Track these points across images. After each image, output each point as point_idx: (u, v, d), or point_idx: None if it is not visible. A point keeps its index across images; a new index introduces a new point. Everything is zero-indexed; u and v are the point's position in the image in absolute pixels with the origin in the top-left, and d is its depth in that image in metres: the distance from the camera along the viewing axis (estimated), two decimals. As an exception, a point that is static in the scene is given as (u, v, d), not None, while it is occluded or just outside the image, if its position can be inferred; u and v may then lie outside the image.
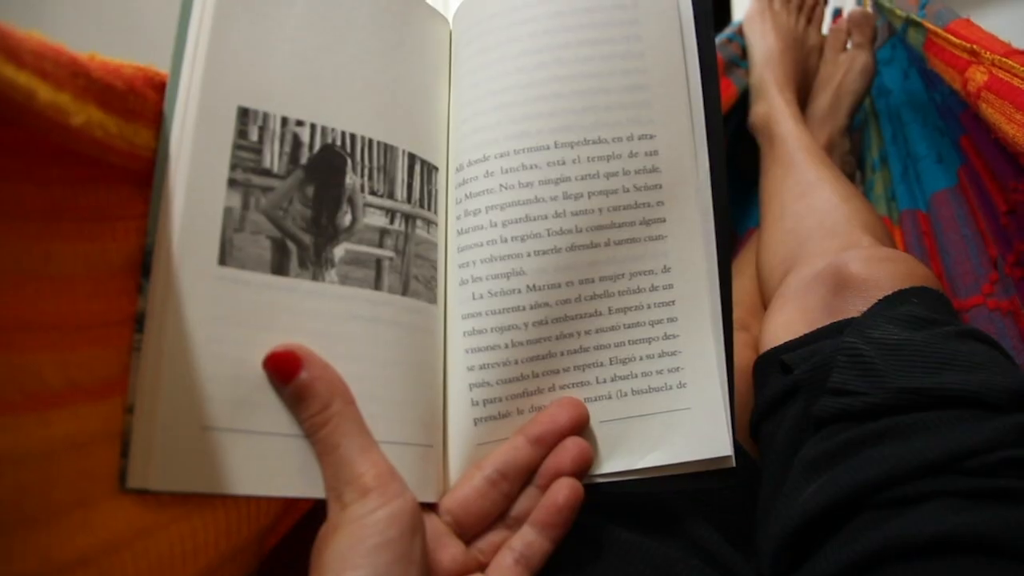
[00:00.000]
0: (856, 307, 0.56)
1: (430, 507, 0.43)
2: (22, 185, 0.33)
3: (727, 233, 0.48)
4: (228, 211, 0.40)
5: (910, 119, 0.99)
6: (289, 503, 0.43)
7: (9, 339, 0.32)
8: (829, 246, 0.68)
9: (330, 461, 0.39)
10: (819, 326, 0.57)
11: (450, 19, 0.52)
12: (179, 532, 0.38)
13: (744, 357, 0.67)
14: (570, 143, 0.46)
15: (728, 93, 1.01)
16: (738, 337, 0.74)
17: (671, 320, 0.47)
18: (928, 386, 0.45)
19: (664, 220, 0.47)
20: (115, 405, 0.37)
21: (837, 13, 1.14)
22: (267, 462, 0.39)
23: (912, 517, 0.41)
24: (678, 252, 0.47)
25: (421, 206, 0.47)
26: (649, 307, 0.46)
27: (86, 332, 0.36)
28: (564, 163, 0.46)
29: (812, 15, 1.06)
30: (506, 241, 0.46)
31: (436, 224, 0.48)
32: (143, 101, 0.38)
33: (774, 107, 0.93)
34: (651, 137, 0.47)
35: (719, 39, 1.04)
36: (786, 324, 0.61)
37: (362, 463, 0.39)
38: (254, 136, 0.41)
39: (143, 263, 0.39)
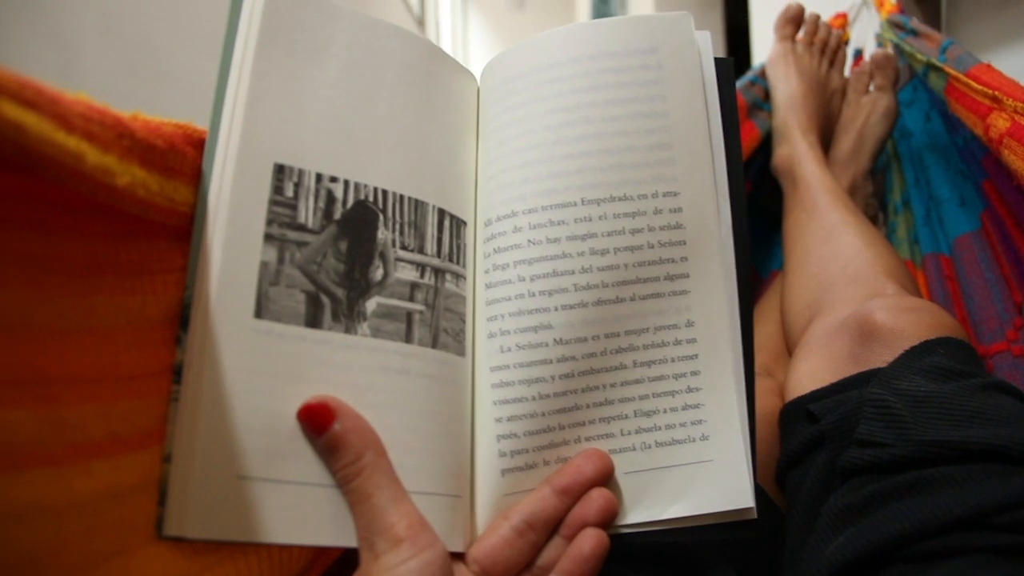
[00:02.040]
0: (882, 357, 0.57)
1: (458, 556, 0.44)
2: (67, 240, 0.35)
3: (748, 287, 0.49)
4: (264, 265, 0.41)
5: (932, 162, 1.00)
6: (320, 551, 0.43)
7: (54, 393, 0.33)
8: (854, 293, 0.68)
9: (362, 511, 0.40)
10: (845, 375, 0.57)
11: (477, 75, 0.53)
12: (213, 579, 0.38)
13: (769, 404, 0.68)
14: (597, 200, 0.47)
15: (751, 136, 1.02)
16: (763, 383, 0.74)
17: (694, 373, 0.47)
18: (955, 439, 0.45)
19: (687, 275, 0.48)
20: (153, 454, 0.38)
21: (858, 54, 1.15)
22: (300, 511, 0.40)
23: (940, 574, 0.41)
24: (701, 306, 0.48)
25: (450, 260, 0.48)
26: (673, 360, 0.47)
27: (127, 384, 0.37)
28: (591, 219, 0.47)
29: (835, 58, 1.06)
30: (534, 295, 0.47)
31: (464, 278, 0.49)
32: (183, 159, 0.40)
33: (797, 150, 0.94)
34: (675, 194, 0.48)
35: (742, 82, 1.05)
36: (812, 372, 0.62)
37: (394, 513, 0.40)
38: (289, 192, 0.42)
39: (181, 315, 0.40)
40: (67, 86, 0.32)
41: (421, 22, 4.30)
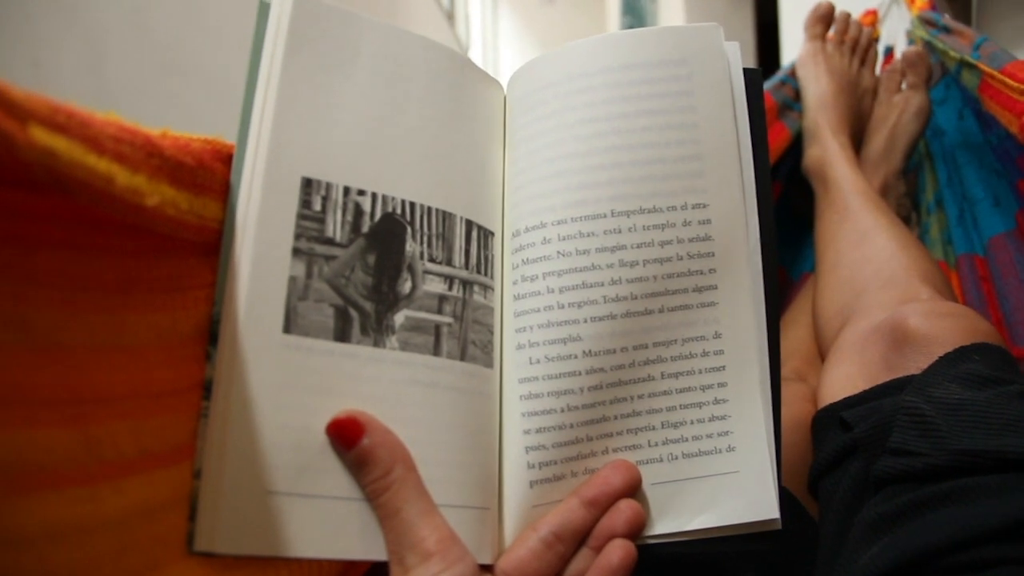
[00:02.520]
0: (916, 363, 0.56)
1: (486, 569, 0.44)
2: (98, 258, 0.35)
3: (776, 298, 0.48)
4: (292, 280, 0.41)
5: (965, 161, 0.98)
6: (349, 565, 0.44)
7: (86, 411, 0.33)
8: (887, 298, 0.67)
9: (392, 525, 0.40)
10: (879, 382, 0.57)
11: (505, 75, 0.53)
12: (244, 593, 0.39)
13: (801, 410, 0.67)
14: (626, 212, 0.47)
15: (781, 136, 1.01)
16: (795, 388, 0.73)
17: (721, 385, 0.47)
18: (991, 448, 0.45)
19: (716, 287, 0.47)
20: (184, 470, 0.38)
21: (888, 52, 1.14)
22: (329, 525, 0.40)
23: None
24: (729, 318, 0.47)
25: (478, 272, 0.48)
26: (700, 372, 0.47)
27: (158, 400, 0.37)
28: (620, 231, 0.47)
29: (865, 56, 1.05)
30: (563, 307, 0.46)
31: (493, 289, 0.49)
32: (211, 175, 0.40)
33: (828, 151, 0.93)
34: (704, 206, 0.47)
35: (772, 82, 1.04)
36: (845, 379, 0.61)
37: (423, 527, 0.40)
38: (317, 206, 0.43)
39: (211, 331, 0.40)
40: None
41: (451, 16, 4.29)
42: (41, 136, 0.29)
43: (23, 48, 0.91)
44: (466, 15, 5.03)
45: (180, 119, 1.17)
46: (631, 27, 4.53)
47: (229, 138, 0.43)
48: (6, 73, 0.87)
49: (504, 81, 0.53)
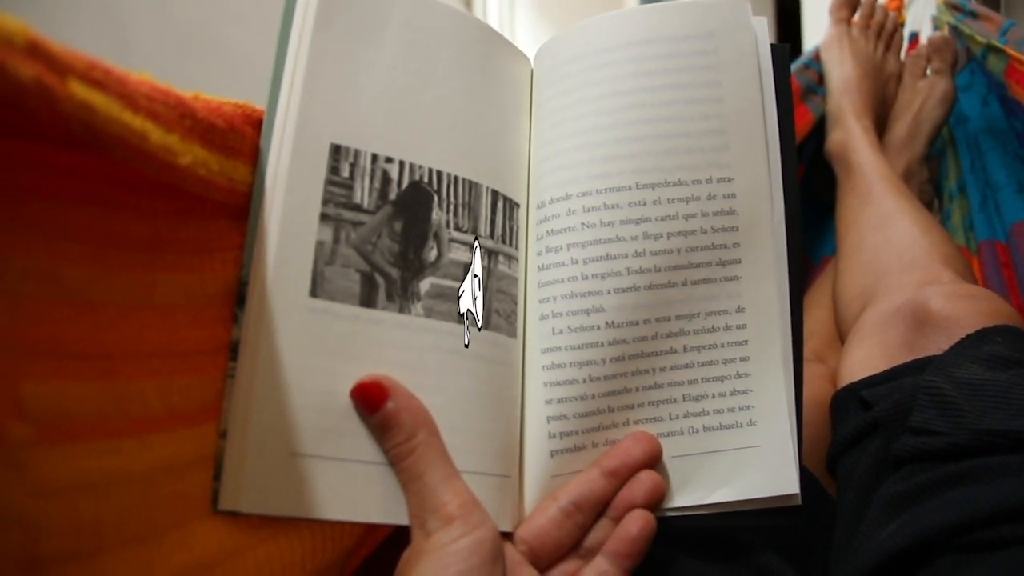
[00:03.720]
0: (938, 344, 0.56)
1: (506, 536, 0.44)
2: (130, 217, 0.35)
3: (799, 274, 0.48)
4: (320, 245, 0.41)
5: (989, 147, 0.98)
6: (371, 527, 0.44)
7: (117, 367, 0.33)
8: (908, 280, 0.67)
9: (414, 489, 0.41)
10: (900, 362, 0.57)
11: (531, 57, 0.53)
12: (266, 553, 0.39)
13: (821, 390, 0.67)
14: (651, 184, 0.47)
15: (805, 120, 1.01)
16: (815, 369, 0.73)
17: (743, 359, 0.47)
18: (1011, 428, 0.45)
19: (739, 261, 0.47)
20: (210, 430, 0.38)
21: (914, 37, 1.13)
22: (352, 488, 0.40)
23: (993, 564, 0.41)
24: (752, 292, 0.47)
25: (503, 242, 0.48)
26: (722, 346, 0.47)
27: (185, 359, 0.37)
28: (645, 204, 0.47)
29: (891, 41, 1.04)
30: (587, 278, 0.47)
31: (517, 260, 0.49)
32: (242, 138, 0.40)
33: (851, 135, 0.92)
34: (729, 180, 0.47)
35: (796, 65, 1.03)
36: (865, 359, 0.61)
37: (445, 492, 0.40)
38: (345, 172, 0.43)
39: (238, 293, 0.40)
40: (124, 65, 0.33)
41: (468, 2, 4.28)
42: (79, 90, 0.29)
43: (48, 30, 0.91)
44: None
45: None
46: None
47: (259, 106, 0.43)
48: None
49: (522, 49, 0.53)
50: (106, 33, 1.01)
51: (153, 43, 1.11)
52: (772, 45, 0.50)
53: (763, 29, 0.50)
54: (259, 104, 0.43)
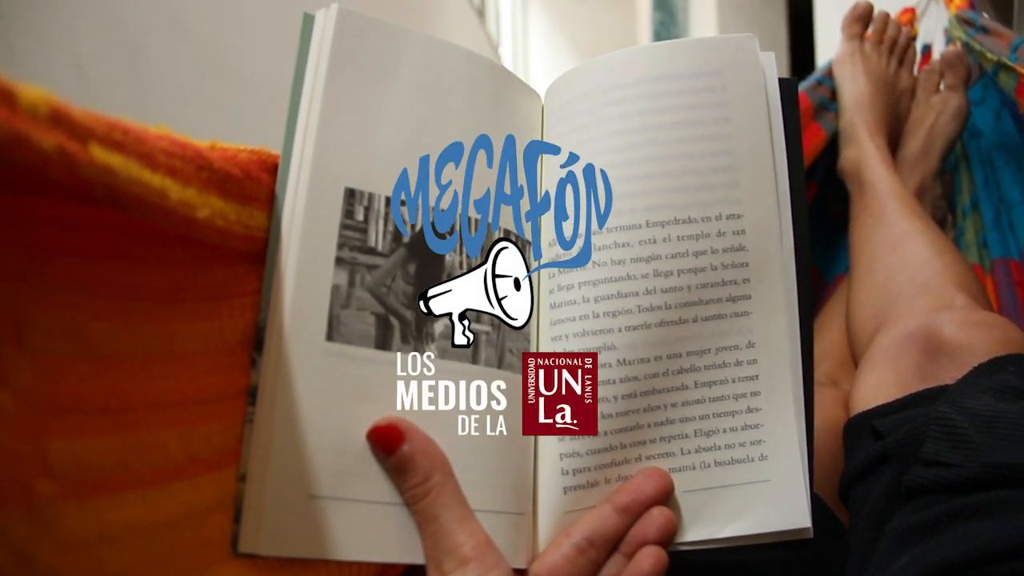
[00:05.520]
0: (950, 373, 0.56)
1: (520, 573, 0.45)
2: (149, 268, 0.36)
3: (809, 308, 0.49)
4: (336, 288, 0.42)
5: (1002, 163, 0.97)
6: (386, 566, 0.45)
7: (139, 418, 0.34)
8: (922, 304, 0.67)
9: (430, 530, 0.41)
10: (912, 390, 0.57)
11: (541, 92, 0.54)
12: (285, 594, 0.40)
13: (834, 416, 0.67)
14: (661, 222, 0.47)
15: (817, 137, 1.01)
16: (828, 394, 0.74)
17: (754, 394, 0.48)
18: (1023, 462, 0.45)
19: (749, 297, 0.48)
20: (229, 474, 0.39)
21: (926, 50, 1.13)
22: (369, 529, 0.41)
23: None
24: (762, 328, 0.48)
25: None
26: (733, 381, 0.48)
27: (205, 406, 0.38)
28: (655, 241, 0.47)
29: (903, 56, 1.04)
30: (598, 316, 0.47)
31: None
32: (258, 185, 0.41)
33: (864, 153, 0.92)
34: (738, 217, 0.48)
35: (808, 82, 1.03)
36: (878, 386, 0.61)
37: (461, 533, 0.41)
38: (360, 216, 0.44)
39: (256, 338, 0.41)
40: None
41: (482, 13, 4.30)
42: (100, 154, 0.30)
43: (65, 51, 0.93)
44: (496, 11, 5.04)
45: (217, 119, 1.20)
46: (662, 23, 4.54)
47: (270, 142, 0.44)
48: (49, 75, 0.89)
49: (535, 78, 0.54)
50: (120, 50, 1.02)
51: (167, 59, 1.13)
52: (780, 80, 0.50)
53: (771, 65, 0.50)
54: (270, 141, 0.44)
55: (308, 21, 0.46)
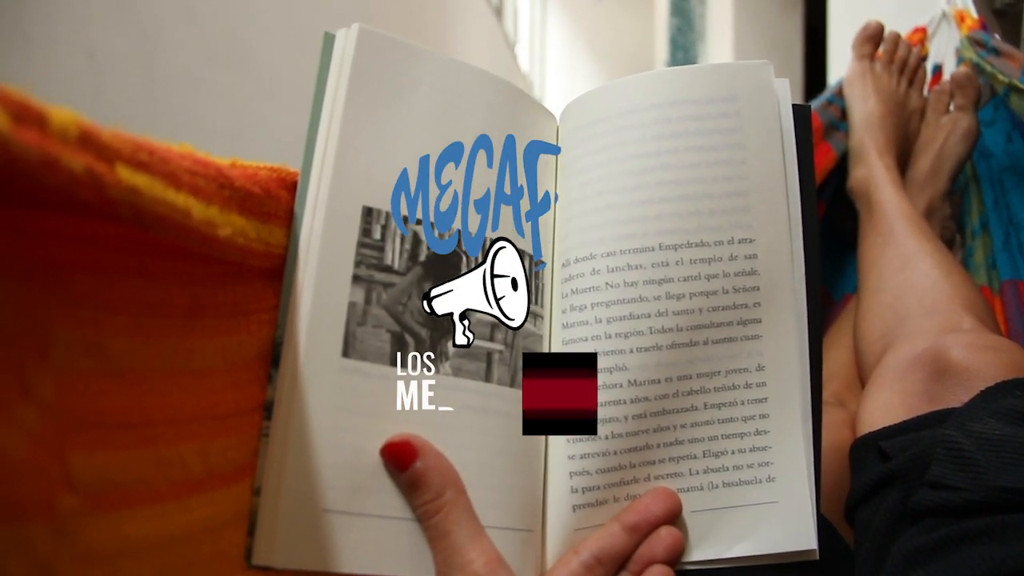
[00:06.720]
0: (957, 396, 0.56)
1: (529, 589, 0.45)
2: (170, 284, 0.37)
3: (819, 331, 0.49)
4: (352, 306, 0.43)
5: (1013, 185, 0.97)
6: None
7: (158, 433, 0.35)
8: (929, 326, 0.67)
9: (441, 547, 0.42)
10: (919, 413, 0.57)
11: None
12: (297, 605, 0.40)
13: (841, 436, 0.68)
14: (674, 245, 0.48)
15: (827, 157, 1.01)
16: (835, 414, 0.74)
17: (763, 416, 0.48)
18: None
19: (760, 320, 0.48)
20: (245, 488, 0.40)
21: (937, 70, 1.13)
22: (381, 543, 0.42)
23: None
24: (772, 351, 0.48)
25: (529, 300, 0.49)
26: (742, 403, 0.48)
27: (223, 421, 0.39)
28: (668, 264, 0.48)
29: (914, 77, 1.04)
30: (610, 337, 0.48)
31: (543, 318, 0.50)
32: (277, 202, 0.42)
33: (874, 173, 0.92)
34: (750, 241, 0.48)
35: (818, 101, 1.04)
36: (885, 407, 0.62)
37: (472, 550, 0.41)
38: (377, 234, 0.44)
39: (273, 354, 0.42)
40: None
41: (499, 12, 4.31)
42: (126, 175, 0.30)
43: (79, 39, 0.94)
44: (514, 10, 5.05)
45: (229, 109, 1.20)
46: (679, 29, 4.55)
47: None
48: (63, 62, 0.90)
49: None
50: (134, 41, 1.03)
51: (180, 48, 1.13)
52: (794, 106, 0.51)
53: (785, 91, 0.51)
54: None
55: (329, 40, 0.46)
